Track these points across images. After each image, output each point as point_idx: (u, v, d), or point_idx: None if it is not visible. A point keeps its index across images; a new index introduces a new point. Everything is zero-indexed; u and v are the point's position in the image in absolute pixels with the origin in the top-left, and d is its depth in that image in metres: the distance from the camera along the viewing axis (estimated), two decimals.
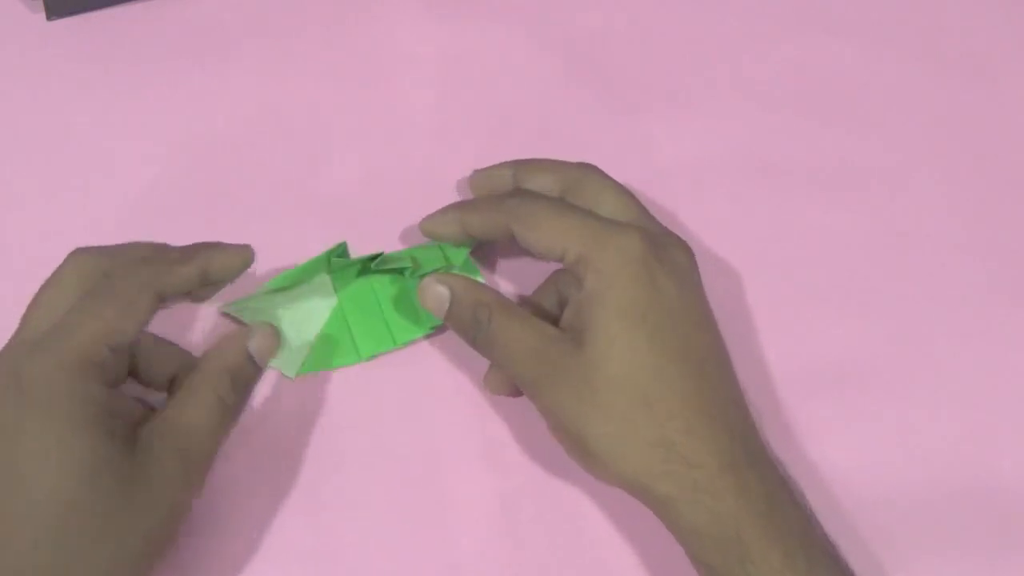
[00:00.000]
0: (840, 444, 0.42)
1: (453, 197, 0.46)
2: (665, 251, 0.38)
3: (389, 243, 0.45)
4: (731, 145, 0.48)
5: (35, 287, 0.43)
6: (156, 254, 0.38)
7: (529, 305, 0.41)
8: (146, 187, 0.46)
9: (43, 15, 0.49)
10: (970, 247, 0.46)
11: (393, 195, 0.46)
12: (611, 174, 0.45)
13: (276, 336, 0.40)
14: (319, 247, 0.43)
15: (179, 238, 0.45)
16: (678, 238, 0.40)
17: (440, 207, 0.42)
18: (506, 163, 0.44)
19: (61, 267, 0.37)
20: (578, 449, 0.37)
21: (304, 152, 0.47)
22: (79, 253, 0.37)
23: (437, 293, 0.39)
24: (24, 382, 0.33)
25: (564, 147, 0.48)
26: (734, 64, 0.50)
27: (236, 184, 0.46)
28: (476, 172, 0.44)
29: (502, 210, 0.39)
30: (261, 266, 0.44)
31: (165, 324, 0.41)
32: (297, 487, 0.40)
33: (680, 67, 0.50)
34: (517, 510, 0.40)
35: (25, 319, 0.36)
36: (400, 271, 0.42)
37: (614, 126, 0.48)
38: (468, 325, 0.38)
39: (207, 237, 0.44)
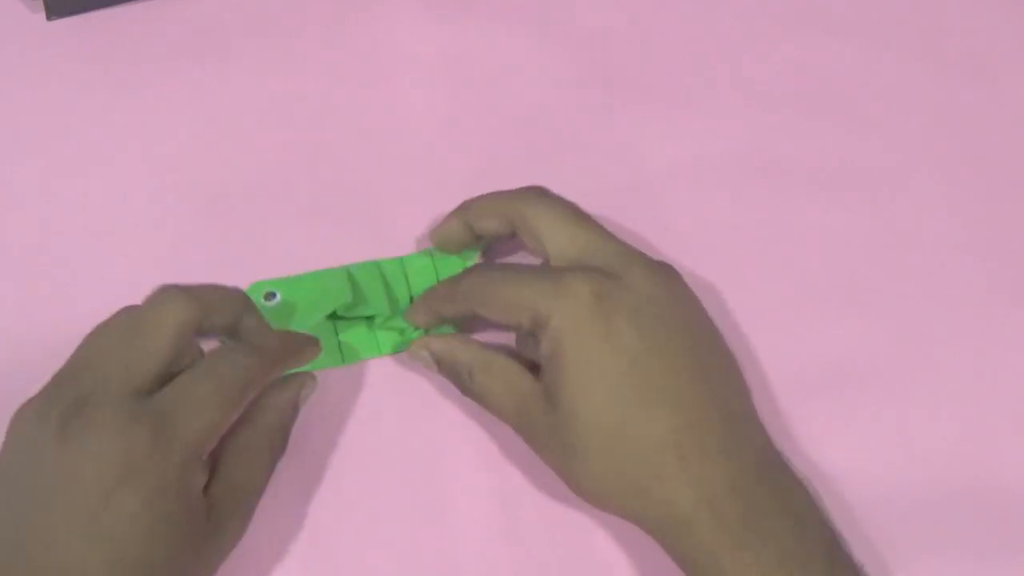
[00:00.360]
0: (840, 444, 0.42)
1: (453, 197, 0.46)
2: (619, 287, 0.37)
3: (389, 243, 0.45)
4: (731, 145, 0.48)
5: (35, 287, 0.43)
6: (246, 312, 0.39)
7: (513, 354, 0.41)
8: (146, 187, 0.46)
9: (43, 15, 0.49)
10: (970, 247, 0.46)
11: (393, 195, 0.46)
12: (611, 174, 0.46)
13: (316, 384, 0.41)
14: (319, 247, 0.43)
15: (179, 238, 0.45)
16: (640, 259, 0.39)
17: (437, 211, 0.43)
18: (455, 212, 0.43)
19: (158, 309, 0.36)
20: (571, 488, 0.38)
21: (304, 152, 0.47)
22: (175, 297, 0.37)
23: (422, 357, 0.41)
24: (137, 466, 0.33)
25: (564, 147, 0.48)
26: (734, 64, 0.50)
27: (236, 184, 0.46)
28: (432, 231, 0.44)
29: (460, 298, 0.40)
30: (260, 265, 0.44)
31: None
32: (296, 486, 0.40)
33: (680, 67, 0.50)
34: (517, 509, 0.40)
35: (116, 352, 0.36)
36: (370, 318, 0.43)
37: (614, 126, 0.48)
38: (456, 381, 0.40)
39: (207, 236, 0.45)
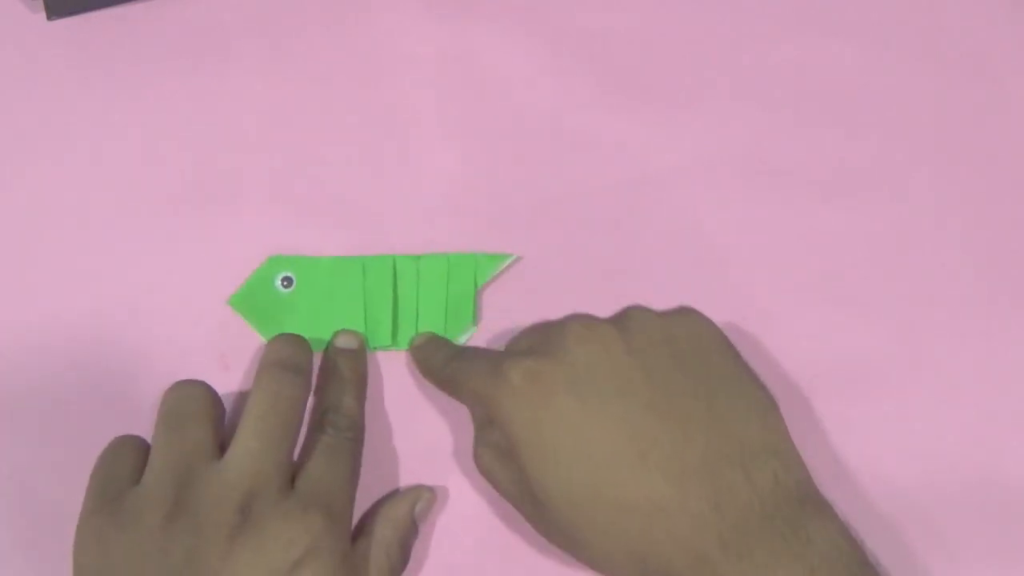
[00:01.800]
0: (840, 444, 0.42)
1: (452, 197, 0.46)
2: (552, 362, 0.36)
3: (389, 243, 0.45)
4: (731, 145, 0.48)
5: (35, 287, 0.43)
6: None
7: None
8: (146, 187, 0.46)
9: (43, 15, 0.49)
10: (970, 247, 0.46)
11: (393, 195, 0.46)
12: (610, 174, 0.45)
13: (435, 497, 0.40)
14: (318, 247, 0.43)
15: (179, 238, 0.45)
16: (575, 325, 0.38)
17: (438, 211, 0.44)
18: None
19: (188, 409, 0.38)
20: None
21: (304, 152, 0.47)
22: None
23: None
24: (316, 547, 0.35)
25: (563, 147, 0.48)
26: (734, 64, 0.50)
27: (236, 184, 0.46)
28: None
29: (437, 377, 0.41)
30: (257, 264, 0.44)
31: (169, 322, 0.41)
32: None
33: (680, 67, 0.50)
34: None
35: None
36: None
37: (614, 126, 0.48)
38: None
39: (207, 236, 0.45)
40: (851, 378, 0.43)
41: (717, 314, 0.43)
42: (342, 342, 0.42)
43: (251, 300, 0.43)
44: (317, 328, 0.43)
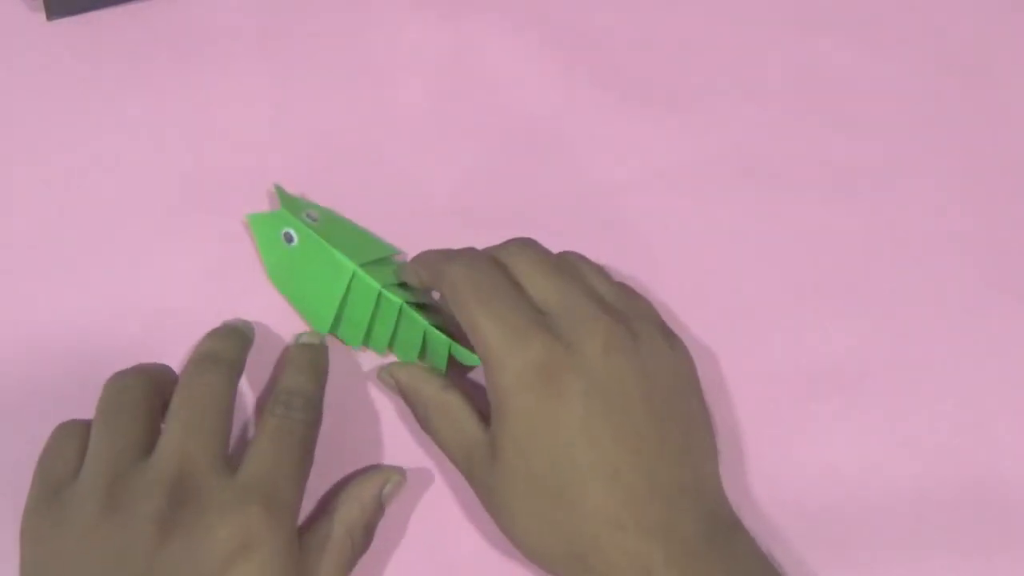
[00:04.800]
0: (839, 444, 0.42)
1: (452, 197, 0.46)
2: (574, 363, 0.36)
3: (388, 242, 0.45)
4: (731, 145, 0.48)
5: (34, 287, 0.43)
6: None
7: (473, 395, 0.40)
8: (146, 186, 0.46)
9: (43, 15, 0.49)
10: (970, 247, 0.46)
11: (392, 195, 0.46)
12: (611, 174, 0.45)
13: (405, 480, 0.40)
14: None
15: (179, 238, 0.45)
16: (603, 333, 0.37)
17: (438, 211, 0.43)
18: (428, 263, 0.41)
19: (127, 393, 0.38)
20: (510, 541, 0.38)
21: (304, 152, 0.47)
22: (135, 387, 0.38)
23: (388, 384, 0.42)
24: (254, 541, 0.34)
25: (564, 147, 0.48)
26: (734, 64, 0.50)
27: (236, 184, 0.46)
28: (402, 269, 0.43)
29: (444, 285, 0.39)
30: (259, 265, 0.44)
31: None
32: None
33: (680, 67, 0.50)
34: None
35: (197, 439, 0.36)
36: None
37: (614, 126, 0.48)
38: (415, 413, 0.41)
39: (207, 236, 0.45)
40: (850, 377, 0.43)
41: (717, 313, 0.43)
42: (304, 339, 0.42)
43: (265, 232, 0.44)
44: (296, 294, 0.43)
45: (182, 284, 0.44)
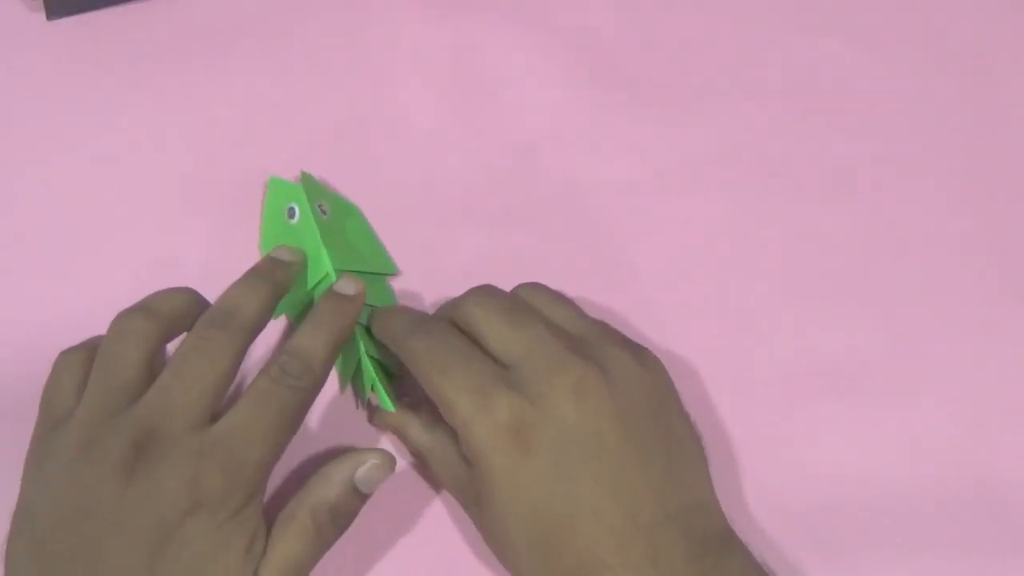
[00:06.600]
0: (839, 444, 0.42)
1: (453, 197, 0.46)
2: (541, 416, 0.36)
3: (390, 245, 0.45)
4: (731, 145, 0.48)
5: (34, 287, 0.43)
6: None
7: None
8: (146, 187, 0.46)
9: (43, 15, 0.49)
10: (970, 247, 0.46)
11: (392, 195, 0.46)
12: (611, 174, 0.45)
13: (390, 465, 0.38)
14: None
15: (179, 238, 0.45)
16: (568, 377, 0.36)
17: (438, 211, 0.43)
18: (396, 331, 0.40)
19: (124, 338, 0.37)
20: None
21: (304, 152, 0.47)
22: (136, 321, 0.37)
23: (383, 428, 0.42)
24: (206, 499, 0.34)
25: (564, 147, 0.48)
26: (734, 64, 0.50)
27: (236, 184, 0.46)
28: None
29: (405, 354, 0.39)
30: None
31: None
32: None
33: (680, 67, 0.50)
34: None
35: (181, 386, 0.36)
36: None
37: (614, 126, 0.48)
38: (411, 453, 0.41)
39: (207, 236, 0.45)
40: (850, 377, 0.43)
41: (717, 313, 0.43)
42: (339, 286, 0.40)
43: (275, 200, 0.44)
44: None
45: (182, 284, 0.44)
